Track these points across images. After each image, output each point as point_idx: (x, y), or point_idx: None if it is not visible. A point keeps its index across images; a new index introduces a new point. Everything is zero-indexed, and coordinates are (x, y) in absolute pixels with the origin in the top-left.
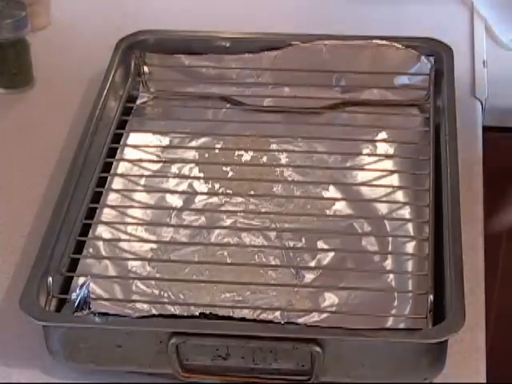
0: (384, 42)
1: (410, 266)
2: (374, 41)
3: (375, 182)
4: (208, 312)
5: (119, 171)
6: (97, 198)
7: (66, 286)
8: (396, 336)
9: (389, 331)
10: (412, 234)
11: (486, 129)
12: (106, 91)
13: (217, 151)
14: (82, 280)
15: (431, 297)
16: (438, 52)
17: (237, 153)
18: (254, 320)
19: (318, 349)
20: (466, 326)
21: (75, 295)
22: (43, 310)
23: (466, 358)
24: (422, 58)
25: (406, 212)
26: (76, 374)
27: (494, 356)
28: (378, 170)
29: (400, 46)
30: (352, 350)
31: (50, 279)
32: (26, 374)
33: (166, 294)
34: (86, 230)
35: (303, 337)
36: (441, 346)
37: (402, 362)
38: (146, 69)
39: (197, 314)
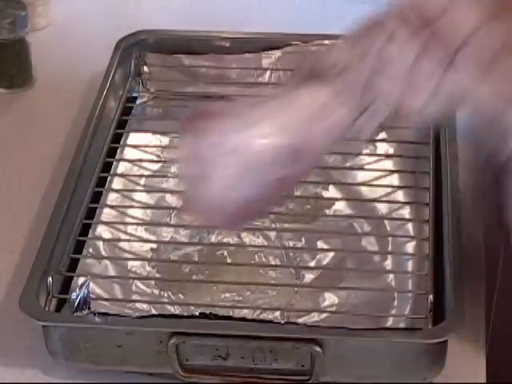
0: None
1: (409, 265)
2: None
3: (375, 182)
4: (208, 312)
5: (119, 171)
6: (97, 198)
7: (66, 285)
8: (396, 336)
9: (389, 331)
10: (412, 233)
11: None
12: (105, 91)
13: None
14: (81, 280)
15: (431, 297)
16: None
17: None
18: (254, 320)
19: (318, 349)
20: (465, 325)
21: (75, 295)
22: (43, 310)
23: (466, 357)
24: None
25: (405, 212)
26: (76, 374)
27: (494, 356)
28: (378, 170)
29: None
30: (352, 349)
31: (50, 279)
32: (26, 374)
33: (165, 294)
34: (85, 230)
35: (303, 337)
36: (441, 346)
37: (402, 362)
38: (145, 69)
39: (197, 313)
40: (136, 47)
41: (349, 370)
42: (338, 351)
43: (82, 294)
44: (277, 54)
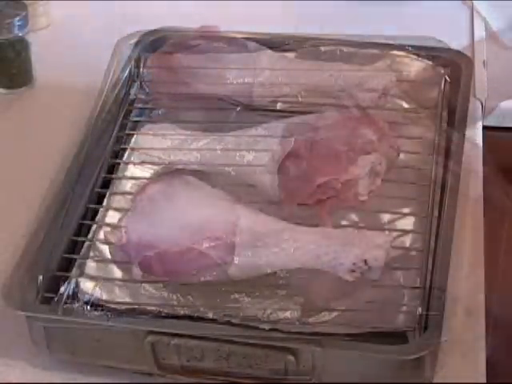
0: (396, 52)
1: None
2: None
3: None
4: (222, 315)
5: (121, 173)
6: (99, 200)
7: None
8: (396, 338)
9: (388, 334)
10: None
11: (485, 129)
12: (105, 92)
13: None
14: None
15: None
16: (455, 63)
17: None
18: (267, 321)
19: (318, 349)
20: (466, 326)
21: (63, 289)
22: (24, 300)
23: (466, 358)
24: (437, 68)
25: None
26: (76, 375)
27: (494, 356)
28: None
29: (414, 56)
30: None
31: (39, 276)
32: (26, 373)
33: (174, 297)
34: (86, 231)
35: (276, 344)
36: (441, 347)
37: (402, 363)
38: (145, 69)
39: (210, 316)
40: (136, 47)
41: (349, 370)
42: (339, 351)
43: (70, 288)
44: (277, 53)
